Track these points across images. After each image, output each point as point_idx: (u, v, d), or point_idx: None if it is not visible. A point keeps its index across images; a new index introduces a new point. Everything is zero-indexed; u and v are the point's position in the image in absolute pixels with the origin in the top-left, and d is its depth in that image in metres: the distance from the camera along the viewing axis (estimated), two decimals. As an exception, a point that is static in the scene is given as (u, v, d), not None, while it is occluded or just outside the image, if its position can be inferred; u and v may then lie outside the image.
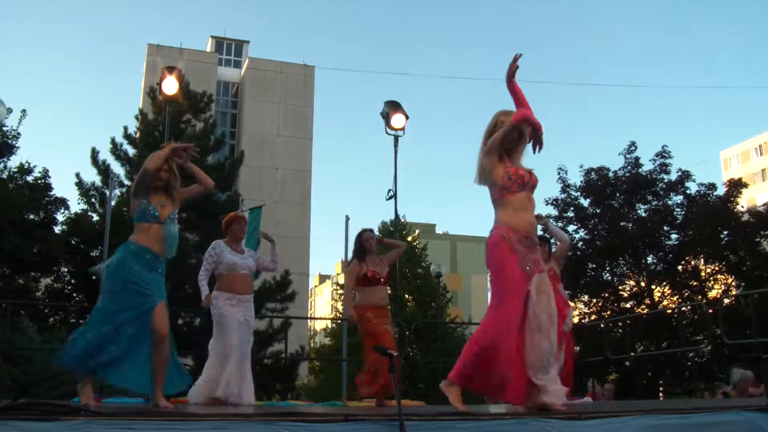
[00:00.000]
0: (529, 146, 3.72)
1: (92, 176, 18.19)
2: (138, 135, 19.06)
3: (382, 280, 5.63)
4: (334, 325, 26.05)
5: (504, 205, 3.59)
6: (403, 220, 29.69)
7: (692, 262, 19.59)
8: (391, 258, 6.13)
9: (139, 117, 20.03)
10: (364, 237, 5.74)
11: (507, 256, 3.50)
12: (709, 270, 19.52)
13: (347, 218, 14.05)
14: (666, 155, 19.66)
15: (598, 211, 19.84)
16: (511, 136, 3.61)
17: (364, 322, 5.55)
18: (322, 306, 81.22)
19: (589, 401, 7.70)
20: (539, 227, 4.96)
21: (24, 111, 15.57)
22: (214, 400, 5.13)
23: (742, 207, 21.03)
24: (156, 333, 3.77)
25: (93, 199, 17.75)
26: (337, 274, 66.04)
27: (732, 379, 7.62)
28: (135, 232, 3.96)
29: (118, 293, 3.85)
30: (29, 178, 16.00)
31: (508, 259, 3.50)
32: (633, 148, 19.84)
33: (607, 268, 20.07)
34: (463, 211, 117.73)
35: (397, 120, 9.30)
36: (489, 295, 3.71)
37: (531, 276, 3.49)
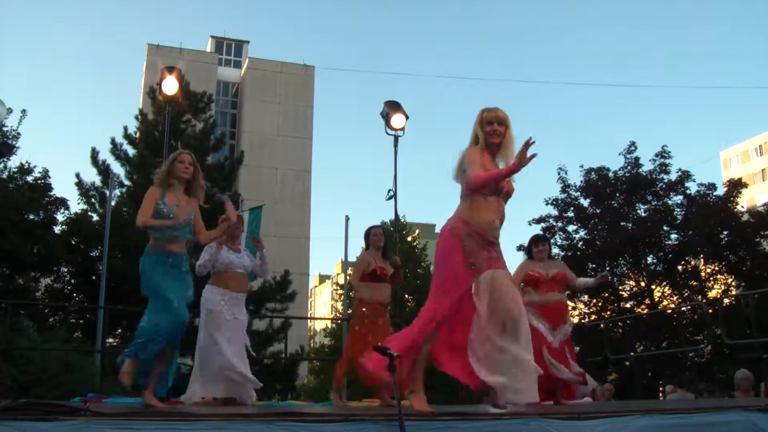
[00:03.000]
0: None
1: (92, 176, 18.24)
2: (138, 135, 19.06)
3: (388, 278, 5.61)
4: (334, 325, 26.06)
5: (468, 202, 3.49)
6: (403, 220, 29.70)
7: (692, 262, 19.60)
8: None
9: (139, 117, 20.02)
10: (372, 233, 5.71)
11: (451, 250, 3.43)
12: (709, 270, 19.53)
13: (347, 218, 14.09)
14: (666, 155, 19.68)
15: (598, 211, 19.85)
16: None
17: (357, 317, 5.55)
18: (322, 306, 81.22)
19: (589, 401, 7.70)
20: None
21: (24, 111, 15.56)
22: (214, 401, 5.12)
23: (742, 207, 21.05)
24: None
25: (93, 199, 17.75)
26: (337, 274, 65.99)
27: (736, 380, 7.65)
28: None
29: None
30: (29, 178, 15.99)
31: (451, 254, 3.43)
32: (633, 148, 19.87)
33: (607, 268, 20.07)
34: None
35: (397, 120, 9.29)
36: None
37: (478, 272, 3.40)
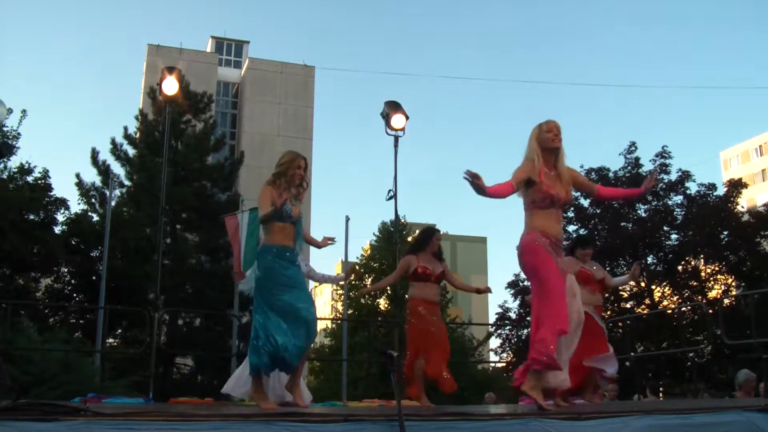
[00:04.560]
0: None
1: (92, 176, 18.23)
2: (138, 135, 19.08)
3: (433, 277, 5.65)
4: (334, 325, 26.03)
5: (533, 215, 3.89)
6: (403, 221, 29.66)
7: (692, 263, 19.60)
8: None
9: (139, 117, 20.04)
10: (435, 237, 5.80)
11: (544, 256, 3.77)
12: (709, 270, 19.52)
13: (347, 218, 14.08)
14: (666, 155, 19.68)
15: (598, 211, 19.85)
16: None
17: (414, 315, 5.61)
18: (322, 306, 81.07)
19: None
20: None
21: (24, 111, 15.53)
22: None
23: (742, 207, 21.05)
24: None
25: (93, 200, 17.77)
26: (337, 274, 65.87)
27: (737, 381, 7.62)
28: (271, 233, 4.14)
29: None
30: (29, 179, 15.99)
31: (545, 259, 3.76)
32: (633, 148, 19.87)
33: (607, 269, 20.05)
34: (463, 211, 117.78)
35: (397, 120, 9.27)
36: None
37: (565, 276, 3.80)
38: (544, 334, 3.64)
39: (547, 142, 3.92)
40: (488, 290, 6.72)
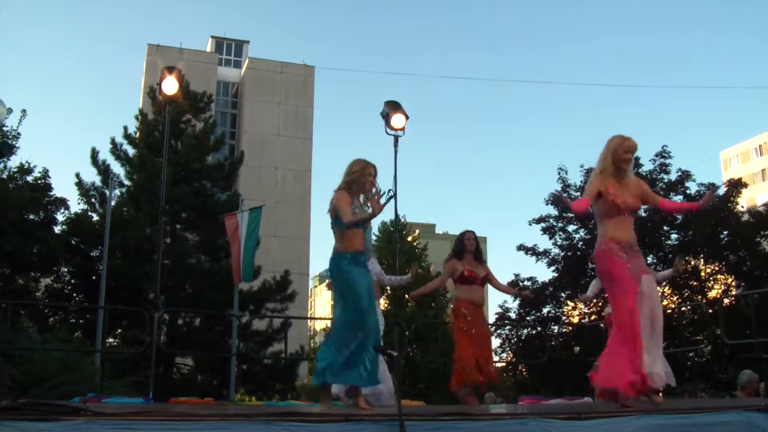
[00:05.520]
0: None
1: (92, 176, 18.22)
2: (138, 135, 19.07)
3: (478, 280, 5.79)
4: (334, 325, 26.02)
5: (604, 224, 4.26)
6: (403, 220, 29.70)
7: (692, 262, 19.59)
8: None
9: (139, 117, 20.04)
10: (466, 237, 5.92)
11: (614, 262, 4.08)
12: (709, 270, 19.51)
13: (347, 218, 14.06)
14: (666, 155, 19.66)
15: (598, 211, 19.83)
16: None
17: (460, 318, 5.71)
18: (322, 306, 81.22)
19: (590, 401, 7.69)
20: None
21: (24, 111, 15.52)
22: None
23: (742, 207, 21.05)
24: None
25: (93, 199, 17.76)
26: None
27: (740, 381, 7.62)
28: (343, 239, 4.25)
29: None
30: (29, 178, 15.98)
31: (616, 265, 4.07)
32: (633, 148, 19.85)
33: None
34: (463, 211, 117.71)
35: (397, 120, 9.28)
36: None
37: (639, 278, 4.05)
38: (622, 362, 3.92)
39: (619, 161, 4.28)
40: (529, 294, 6.92)
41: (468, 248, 5.85)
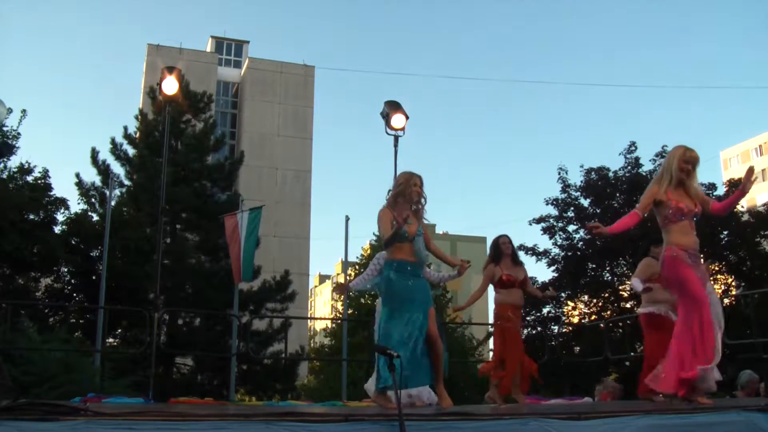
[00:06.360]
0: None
1: (92, 176, 18.21)
2: (138, 135, 19.07)
3: (517, 283, 5.90)
4: (334, 325, 26.04)
5: (669, 231, 4.32)
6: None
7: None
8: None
9: (139, 117, 20.04)
10: (501, 241, 6.00)
11: (684, 268, 4.18)
12: (709, 270, 19.52)
13: (347, 218, 14.04)
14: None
15: (598, 211, 19.82)
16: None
17: (504, 320, 5.84)
18: (322, 306, 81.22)
19: (590, 401, 7.70)
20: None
21: (24, 111, 15.50)
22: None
23: (742, 207, 21.03)
24: (431, 335, 4.35)
25: (93, 199, 17.75)
26: (337, 274, 65.98)
27: (740, 381, 7.61)
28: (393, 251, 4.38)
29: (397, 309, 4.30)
30: (29, 178, 15.97)
31: (686, 271, 4.16)
32: (633, 148, 19.85)
33: (608, 268, 20.06)
34: (463, 211, 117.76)
35: (397, 120, 9.29)
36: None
37: (705, 284, 4.21)
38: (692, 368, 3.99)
39: (681, 171, 4.36)
40: (554, 294, 7.11)
41: (505, 252, 5.96)
